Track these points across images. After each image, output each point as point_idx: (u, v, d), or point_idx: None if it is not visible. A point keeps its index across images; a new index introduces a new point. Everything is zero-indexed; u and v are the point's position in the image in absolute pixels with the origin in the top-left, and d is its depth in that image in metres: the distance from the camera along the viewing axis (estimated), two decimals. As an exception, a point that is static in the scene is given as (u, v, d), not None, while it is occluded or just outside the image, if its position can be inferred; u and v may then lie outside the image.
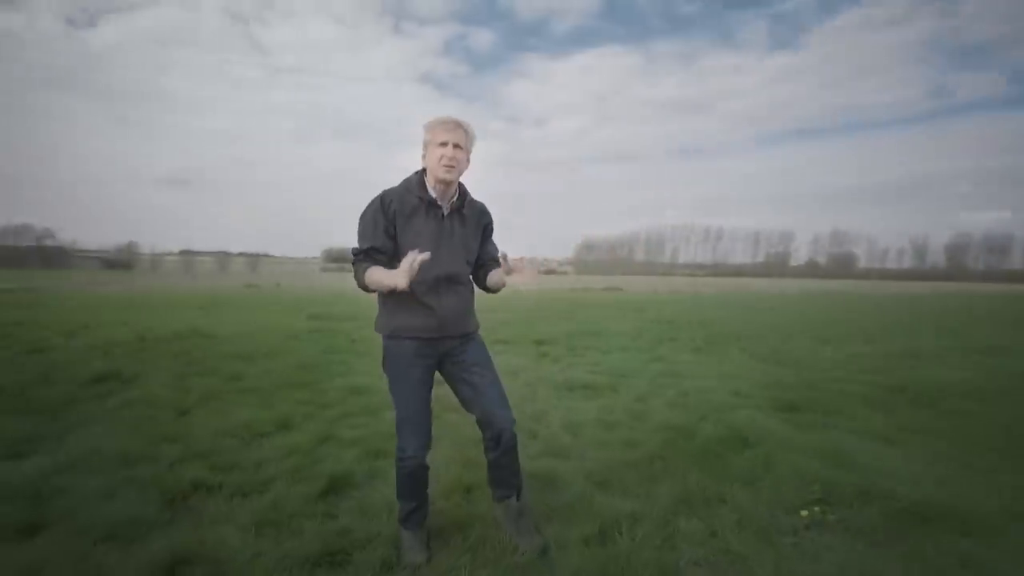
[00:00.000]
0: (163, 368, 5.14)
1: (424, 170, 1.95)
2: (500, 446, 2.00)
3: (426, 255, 1.70)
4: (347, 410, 3.84)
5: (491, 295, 2.20)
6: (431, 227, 1.91)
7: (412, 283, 1.76)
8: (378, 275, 1.78)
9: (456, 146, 1.87)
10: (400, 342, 1.93)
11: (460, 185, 2.00)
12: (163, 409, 3.84)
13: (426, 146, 1.92)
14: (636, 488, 2.46)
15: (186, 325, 8.03)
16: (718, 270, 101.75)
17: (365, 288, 1.86)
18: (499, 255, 2.06)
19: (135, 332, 7.25)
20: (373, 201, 1.90)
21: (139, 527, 2.18)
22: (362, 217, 1.91)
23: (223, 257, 67.08)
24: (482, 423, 2.02)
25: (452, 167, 1.87)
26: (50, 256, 49.16)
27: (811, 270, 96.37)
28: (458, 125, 1.88)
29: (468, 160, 1.95)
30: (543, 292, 24.56)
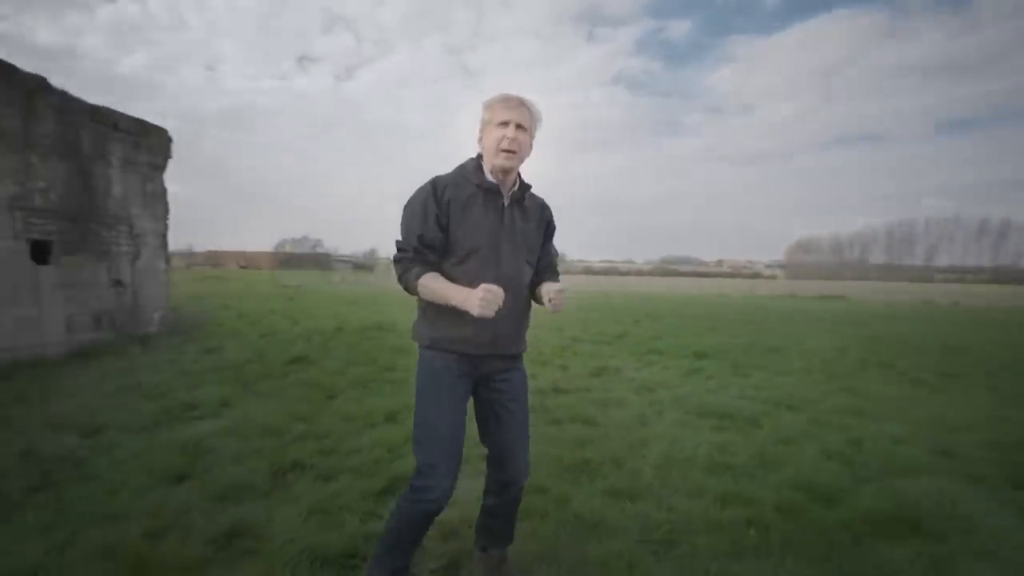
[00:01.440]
0: (338, 356, 6.08)
1: (480, 156, 1.70)
2: (506, 494, 1.76)
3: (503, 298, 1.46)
4: (453, 411, 3.94)
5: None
6: (491, 219, 1.64)
7: (467, 285, 1.54)
8: (443, 288, 1.54)
9: (519, 127, 1.60)
10: (442, 355, 1.66)
11: (520, 176, 1.73)
12: (318, 390, 4.51)
13: (484, 127, 1.66)
14: (706, 560, 1.91)
15: (375, 320, 9.41)
16: (1000, 275, 76.51)
17: (412, 292, 1.62)
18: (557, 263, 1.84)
19: (337, 323, 8.78)
20: (423, 187, 1.65)
21: (243, 492, 2.56)
22: (409, 205, 1.65)
23: (438, 260, 77.31)
24: (495, 463, 1.77)
25: (513, 152, 1.59)
26: (320, 260, 63.81)
27: None
28: (522, 103, 1.62)
29: (531, 146, 1.68)
30: (733, 298, 21.90)
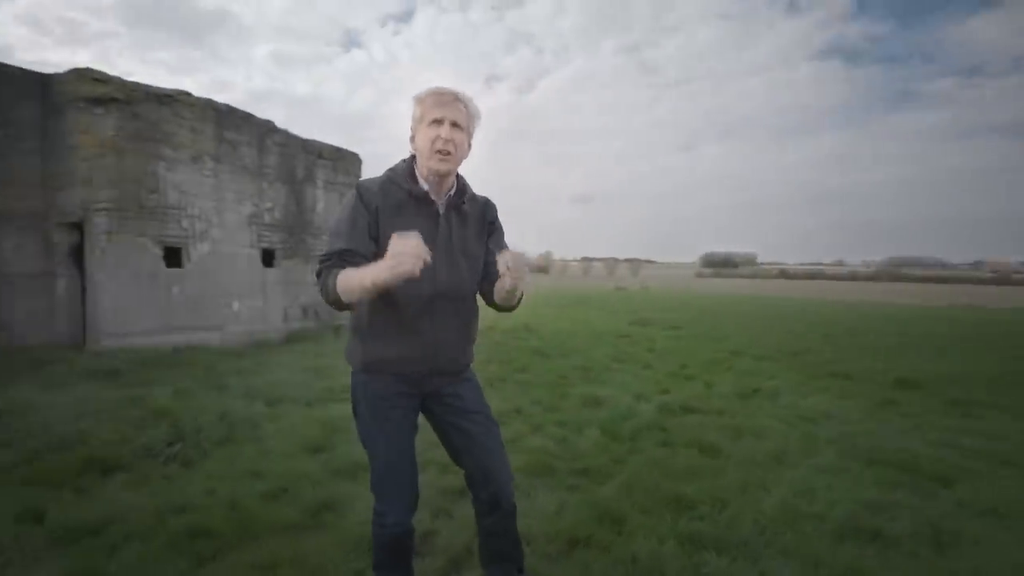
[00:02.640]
0: (478, 353, 6.44)
1: (414, 158, 1.56)
2: (499, 509, 1.62)
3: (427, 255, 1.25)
4: (563, 418, 3.84)
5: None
6: (424, 228, 1.46)
7: (401, 301, 1.44)
8: (358, 275, 1.31)
9: (454, 125, 1.46)
10: (377, 377, 1.55)
11: (459, 177, 1.59)
12: (449, 386, 4.85)
13: (416, 124, 1.52)
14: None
15: (524, 321, 9.72)
16: None
17: (338, 303, 1.39)
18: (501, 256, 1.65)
19: (489, 323, 9.32)
20: (349, 196, 1.53)
21: (354, 471, 2.89)
22: (336, 220, 1.54)
23: (611, 262, 76.71)
24: (476, 480, 1.63)
25: (448, 153, 1.46)
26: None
27: None
28: (456, 98, 1.48)
29: (470, 145, 1.55)
30: (989, 310, 16.75)
